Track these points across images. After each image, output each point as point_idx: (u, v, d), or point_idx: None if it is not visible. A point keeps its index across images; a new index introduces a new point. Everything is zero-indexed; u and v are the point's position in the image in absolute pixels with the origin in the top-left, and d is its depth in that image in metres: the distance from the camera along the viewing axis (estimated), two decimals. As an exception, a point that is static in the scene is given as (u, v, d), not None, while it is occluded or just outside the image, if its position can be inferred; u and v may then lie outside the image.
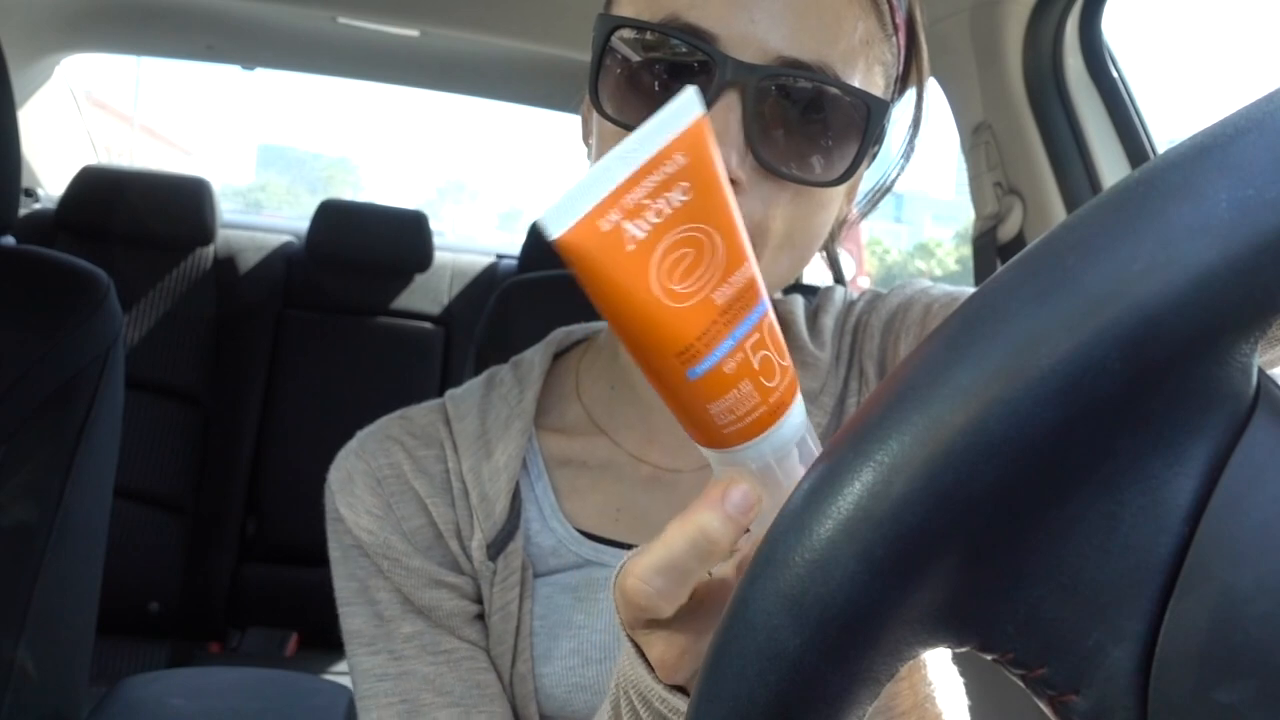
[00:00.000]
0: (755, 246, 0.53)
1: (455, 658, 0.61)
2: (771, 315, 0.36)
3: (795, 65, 0.52)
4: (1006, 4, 1.16)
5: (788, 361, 0.37)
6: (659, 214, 0.33)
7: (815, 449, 0.39)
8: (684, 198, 0.33)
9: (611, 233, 0.32)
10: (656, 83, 0.53)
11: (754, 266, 0.36)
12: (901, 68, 0.61)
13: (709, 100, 0.50)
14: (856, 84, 0.54)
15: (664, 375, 0.34)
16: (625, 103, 0.54)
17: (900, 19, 0.58)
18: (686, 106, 0.34)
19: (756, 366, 0.35)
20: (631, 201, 0.32)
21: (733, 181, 0.51)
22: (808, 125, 0.53)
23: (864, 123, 0.54)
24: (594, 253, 0.32)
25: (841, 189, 0.57)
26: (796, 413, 0.37)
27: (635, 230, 0.32)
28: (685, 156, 0.33)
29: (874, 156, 0.63)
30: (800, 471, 0.37)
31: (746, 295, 0.35)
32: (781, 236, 0.54)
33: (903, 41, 0.59)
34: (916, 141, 0.64)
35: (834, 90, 0.53)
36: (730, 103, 0.51)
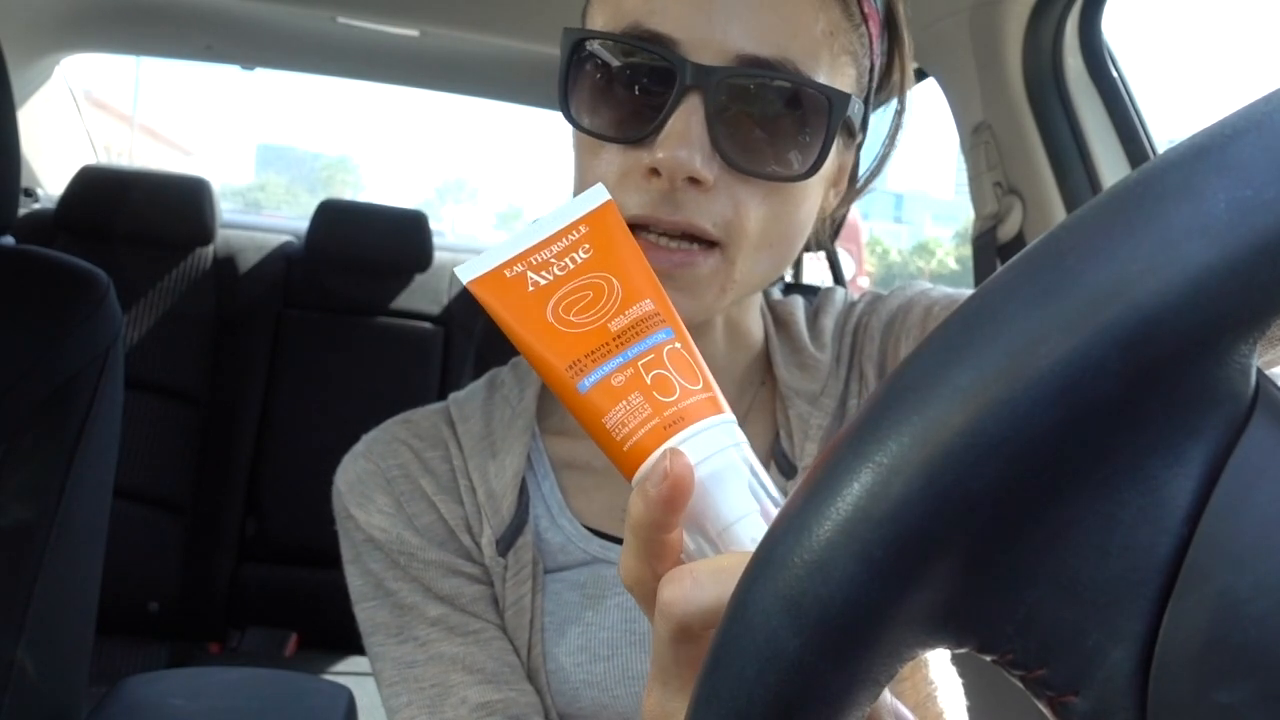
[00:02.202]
0: (731, 246, 0.54)
1: (484, 637, 0.61)
2: (682, 345, 0.40)
3: (755, 63, 0.52)
4: (1006, 4, 1.16)
5: (699, 386, 0.38)
6: (563, 269, 0.41)
7: (765, 491, 0.38)
8: (586, 256, 0.41)
9: (515, 279, 0.41)
10: (623, 90, 0.54)
11: (662, 304, 0.41)
12: (884, 59, 0.61)
13: (670, 107, 0.52)
14: (822, 76, 0.54)
15: (563, 392, 0.39)
16: (595, 113, 0.55)
17: (869, 8, 0.58)
18: (593, 196, 0.43)
19: (649, 381, 0.38)
20: (537, 259, 0.41)
21: (699, 182, 0.52)
22: (771, 121, 0.54)
23: (827, 115, 0.54)
24: (496, 293, 0.41)
25: (817, 184, 0.58)
26: (711, 438, 0.37)
27: (537, 278, 0.41)
28: (587, 227, 0.42)
29: (858, 149, 0.63)
30: (739, 504, 0.37)
31: (646, 323, 0.40)
32: (757, 235, 0.55)
33: (875, 31, 0.59)
34: (900, 131, 0.65)
35: (794, 85, 0.53)
36: (692, 105, 0.52)
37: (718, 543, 0.37)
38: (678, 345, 0.39)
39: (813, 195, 0.58)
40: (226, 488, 2.18)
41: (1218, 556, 0.22)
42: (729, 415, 0.38)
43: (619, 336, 0.39)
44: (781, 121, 0.54)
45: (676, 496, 0.35)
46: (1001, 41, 1.18)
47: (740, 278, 0.56)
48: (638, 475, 0.37)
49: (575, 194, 0.58)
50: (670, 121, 0.52)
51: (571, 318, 0.40)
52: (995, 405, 0.21)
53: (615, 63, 0.54)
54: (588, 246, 0.41)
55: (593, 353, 0.39)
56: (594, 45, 0.55)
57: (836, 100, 0.54)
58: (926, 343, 0.23)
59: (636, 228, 0.54)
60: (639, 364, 0.38)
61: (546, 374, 0.40)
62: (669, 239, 0.54)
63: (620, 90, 0.54)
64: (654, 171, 0.52)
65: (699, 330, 0.61)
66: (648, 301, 0.40)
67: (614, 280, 0.41)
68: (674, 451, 0.35)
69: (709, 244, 0.54)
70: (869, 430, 0.23)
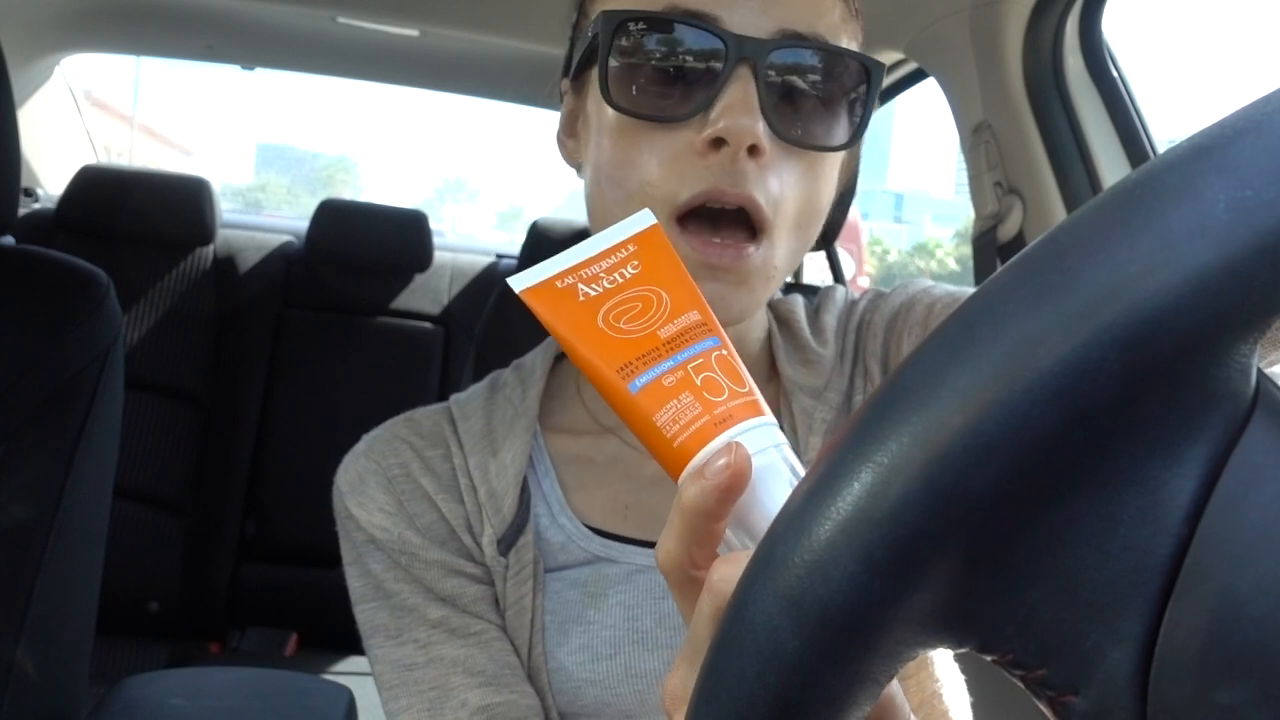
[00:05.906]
0: (771, 225, 0.55)
1: (484, 639, 0.61)
2: (728, 353, 0.41)
3: (795, 37, 0.54)
4: (1006, 4, 1.16)
5: (744, 389, 0.40)
6: (612, 282, 0.43)
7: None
8: (635, 271, 0.43)
9: (566, 290, 0.43)
10: (670, 69, 0.55)
11: (707, 316, 0.42)
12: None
13: (724, 79, 0.53)
14: None
15: (613, 394, 0.40)
16: (640, 94, 0.56)
17: (858, 5, 0.61)
18: (640, 220, 0.45)
19: (698, 383, 0.40)
20: (587, 273, 0.43)
21: (759, 153, 0.53)
22: (814, 93, 0.56)
23: (866, 84, 0.56)
24: (548, 303, 0.42)
25: (836, 166, 0.59)
26: (758, 437, 0.39)
27: (588, 290, 0.43)
28: (635, 246, 0.44)
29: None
30: (781, 500, 0.37)
31: (694, 331, 0.41)
32: (793, 216, 0.56)
33: (861, 26, 0.62)
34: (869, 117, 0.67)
35: (835, 56, 0.55)
36: (745, 77, 0.53)
37: (758, 536, 0.38)
38: (724, 352, 0.41)
39: (835, 176, 0.60)
40: (226, 488, 2.18)
41: (1217, 557, 0.22)
42: (771, 418, 0.40)
43: (669, 343, 0.41)
44: (824, 93, 0.56)
45: (734, 486, 0.36)
46: (1001, 41, 1.18)
47: (779, 264, 0.58)
48: (693, 464, 0.39)
49: (601, 181, 0.58)
50: (727, 93, 0.53)
51: (622, 325, 0.42)
52: (995, 406, 0.21)
53: (659, 42, 0.55)
54: (636, 263, 0.43)
55: (643, 356, 0.41)
56: (637, 26, 0.55)
57: (874, 69, 0.56)
58: (926, 343, 0.23)
59: (690, 217, 0.55)
60: (689, 367, 0.40)
61: (595, 375, 0.41)
62: (718, 236, 0.55)
63: (667, 70, 0.55)
64: (715, 144, 0.53)
65: None
66: (694, 313, 0.42)
67: (662, 293, 0.43)
68: (735, 444, 0.37)
69: (751, 233, 0.55)
70: (869, 430, 0.23)
